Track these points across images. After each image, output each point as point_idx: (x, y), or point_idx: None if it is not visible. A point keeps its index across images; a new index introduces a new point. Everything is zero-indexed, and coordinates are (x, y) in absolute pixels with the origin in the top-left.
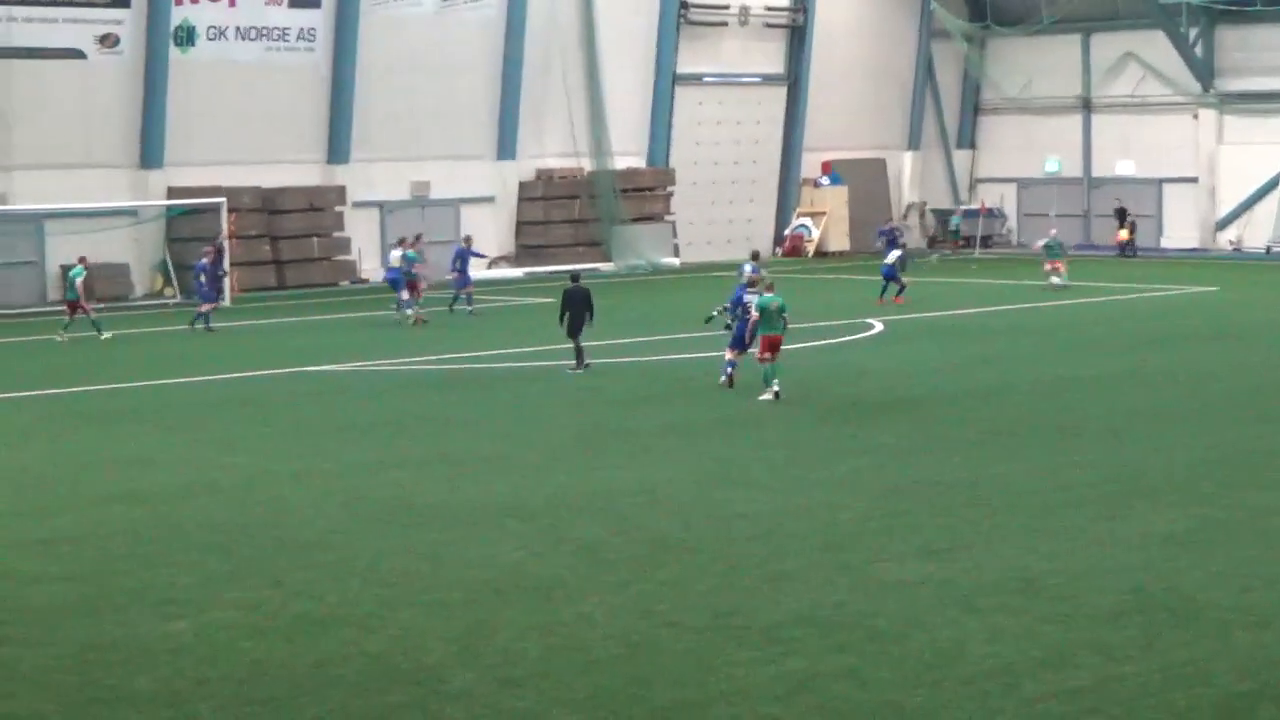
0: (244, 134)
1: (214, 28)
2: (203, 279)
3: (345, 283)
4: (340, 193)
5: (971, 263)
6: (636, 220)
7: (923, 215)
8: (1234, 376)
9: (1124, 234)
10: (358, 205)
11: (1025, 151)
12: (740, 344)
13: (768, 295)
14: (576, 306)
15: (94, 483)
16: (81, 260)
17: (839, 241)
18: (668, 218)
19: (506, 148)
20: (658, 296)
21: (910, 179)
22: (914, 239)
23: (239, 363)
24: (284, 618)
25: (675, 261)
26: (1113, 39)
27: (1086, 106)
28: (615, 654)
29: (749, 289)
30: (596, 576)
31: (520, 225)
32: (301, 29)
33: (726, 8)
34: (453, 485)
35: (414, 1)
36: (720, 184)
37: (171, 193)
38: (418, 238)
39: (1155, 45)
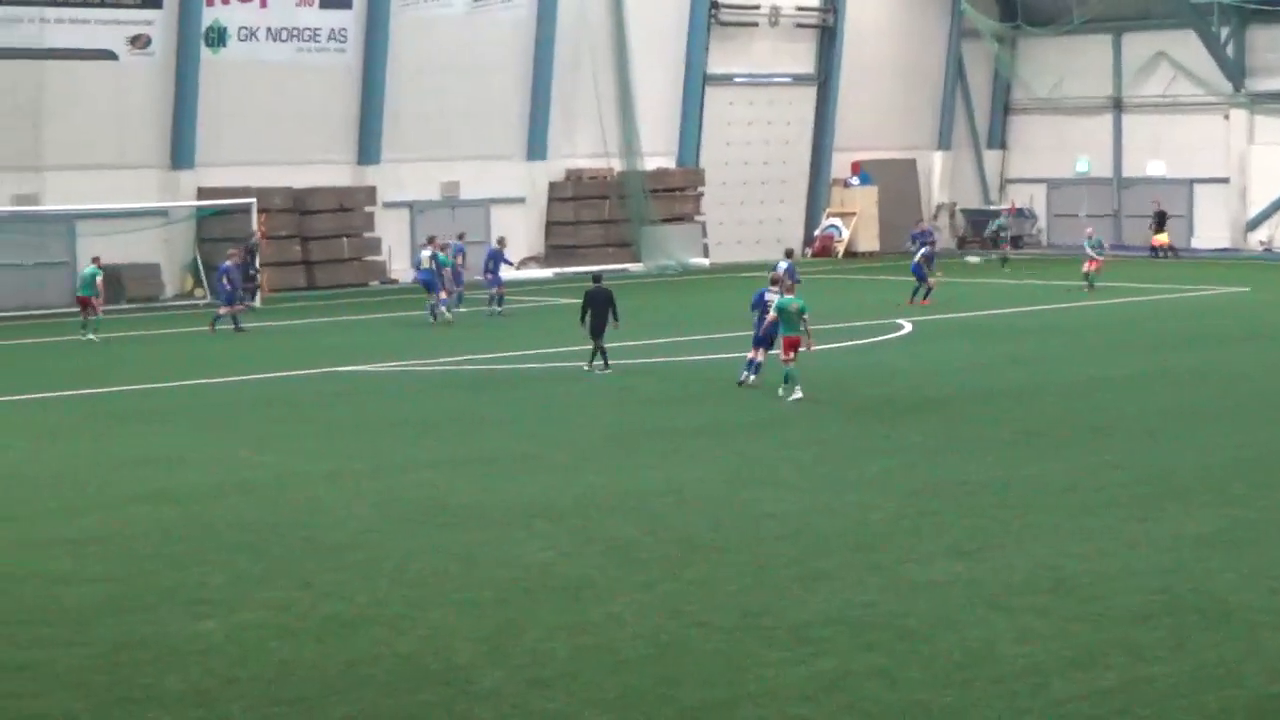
0: (274, 134)
1: (245, 28)
2: (225, 281)
3: (375, 283)
4: (370, 193)
5: (1005, 264)
6: (666, 221)
7: (953, 216)
8: (1265, 377)
9: (1164, 237)
10: (388, 206)
11: (1056, 152)
12: (763, 343)
13: (787, 297)
14: (599, 307)
15: (124, 482)
16: (95, 260)
17: (869, 242)
18: (698, 218)
19: (537, 148)
20: (687, 297)
21: (940, 179)
22: (944, 239)
23: (270, 363)
24: (314, 618)
25: (705, 262)
26: (1144, 39)
27: (1117, 106)
28: (644, 654)
29: (771, 287)
30: (626, 576)
31: (550, 226)
32: (332, 29)
33: (757, 8)
34: (483, 485)
35: (444, 2)
36: (750, 184)
37: (202, 193)
38: (460, 237)
39: (1186, 45)
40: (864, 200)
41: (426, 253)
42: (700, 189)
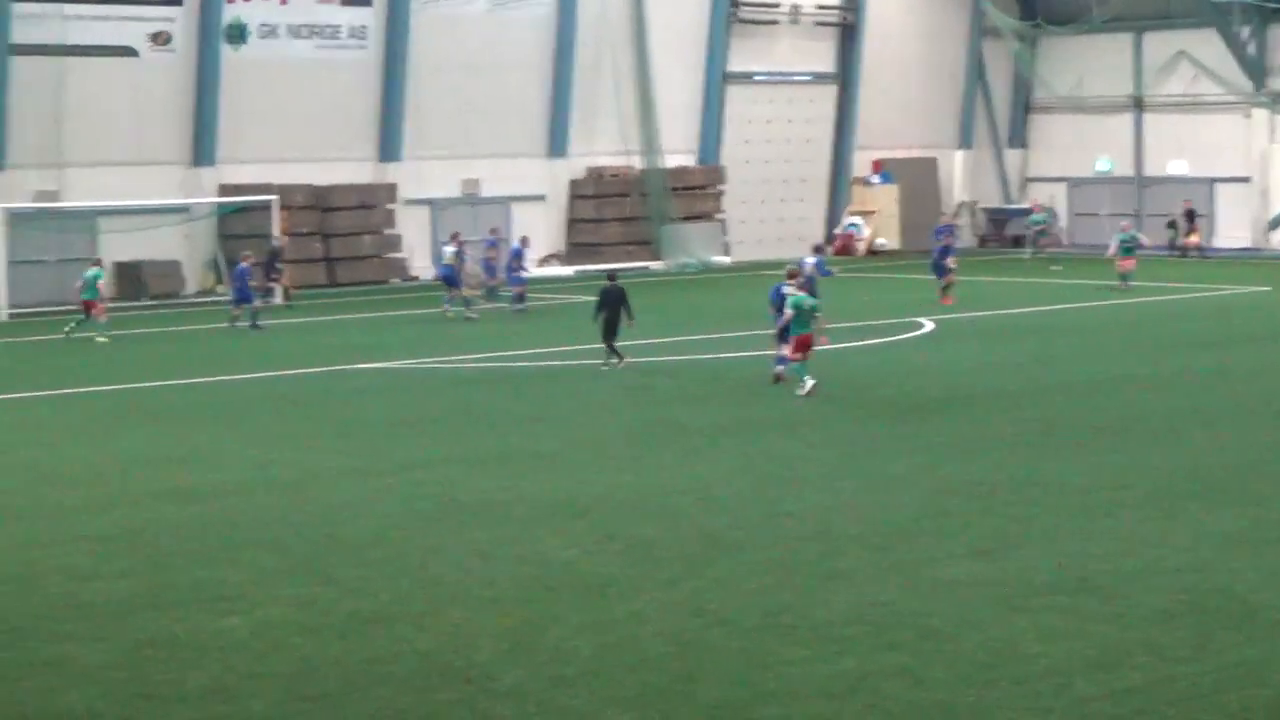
0: (296, 131)
1: (265, 25)
2: (240, 282)
3: (396, 280)
4: (391, 190)
5: (1050, 263)
6: (688, 219)
7: (974, 214)
8: None
9: (1195, 237)
10: (409, 203)
11: (1077, 150)
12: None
13: (802, 294)
14: (613, 305)
15: (146, 479)
16: (97, 263)
17: (890, 240)
18: (718, 216)
19: (558, 145)
20: (708, 295)
21: (961, 178)
22: (965, 238)
23: (291, 360)
24: (336, 615)
25: (725, 260)
26: (1165, 38)
27: (1138, 105)
28: (666, 652)
29: (788, 282)
30: (648, 574)
31: (571, 223)
32: (353, 27)
33: (777, 6)
34: (505, 483)
35: None
36: (771, 182)
37: (223, 190)
38: (493, 231)
39: (1207, 44)
40: (885, 199)
41: (450, 249)
42: (721, 187)
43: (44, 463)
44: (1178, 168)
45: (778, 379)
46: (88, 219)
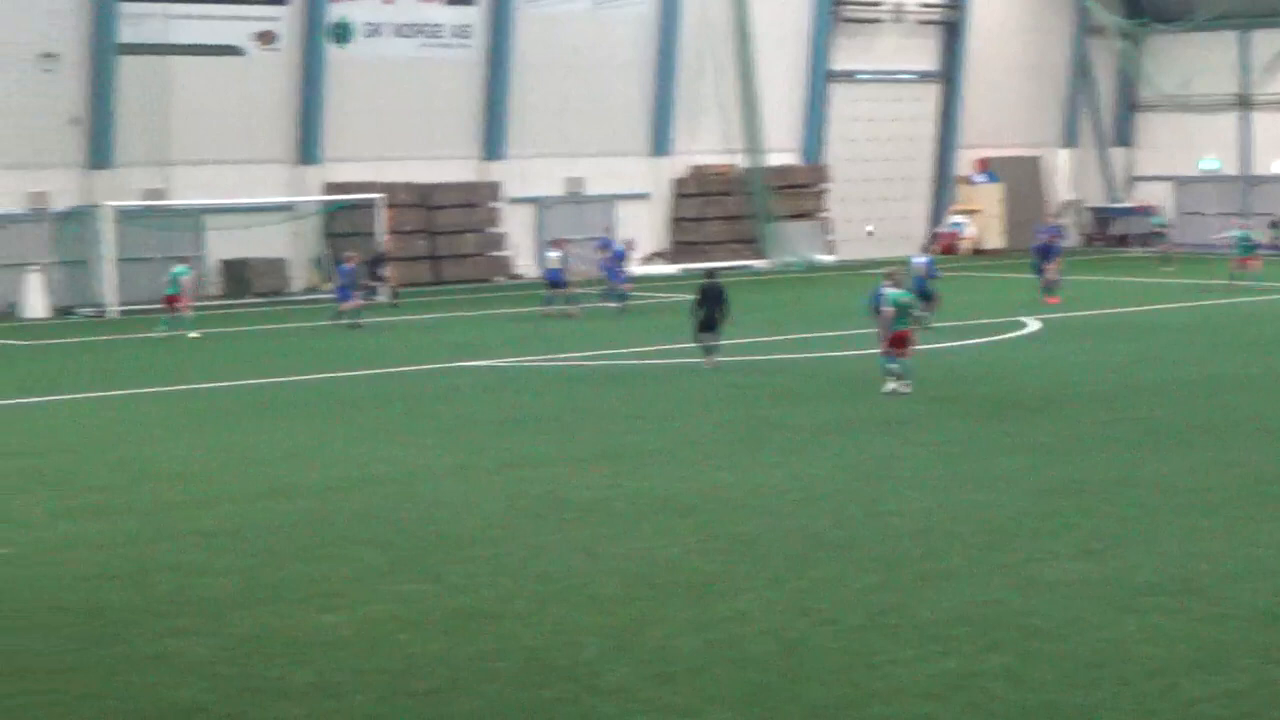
0: (400, 130)
1: (370, 24)
2: (347, 280)
3: (500, 278)
4: (495, 189)
5: (1167, 263)
6: (791, 218)
7: (1078, 213)
8: None
9: None
10: (513, 201)
11: (1183, 149)
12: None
13: (894, 291)
14: (712, 303)
15: (252, 476)
16: (185, 260)
17: (994, 239)
18: (822, 214)
19: (661, 144)
20: (811, 293)
21: (1066, 176)
22: (1070, 237)
23: (395, 358)
24: (441, 612)
25: (829, 258)
26: (1271, 36)
27: (1245, 104)
28: (770, 651)
29: (887, 282)
30: (752, 573)
31: (675, 222)
32: (457, 26)
33: (880, 4)
34: (608, 480)
35: None
36: (874, 181)
37: (328, 188)
38: (606, 230)
39: None
40: (989, 197)
41: (554, 253)
42: (824, 185)
43: (151, 459)
44: None
45: (898, 378)
46: (194, 217)
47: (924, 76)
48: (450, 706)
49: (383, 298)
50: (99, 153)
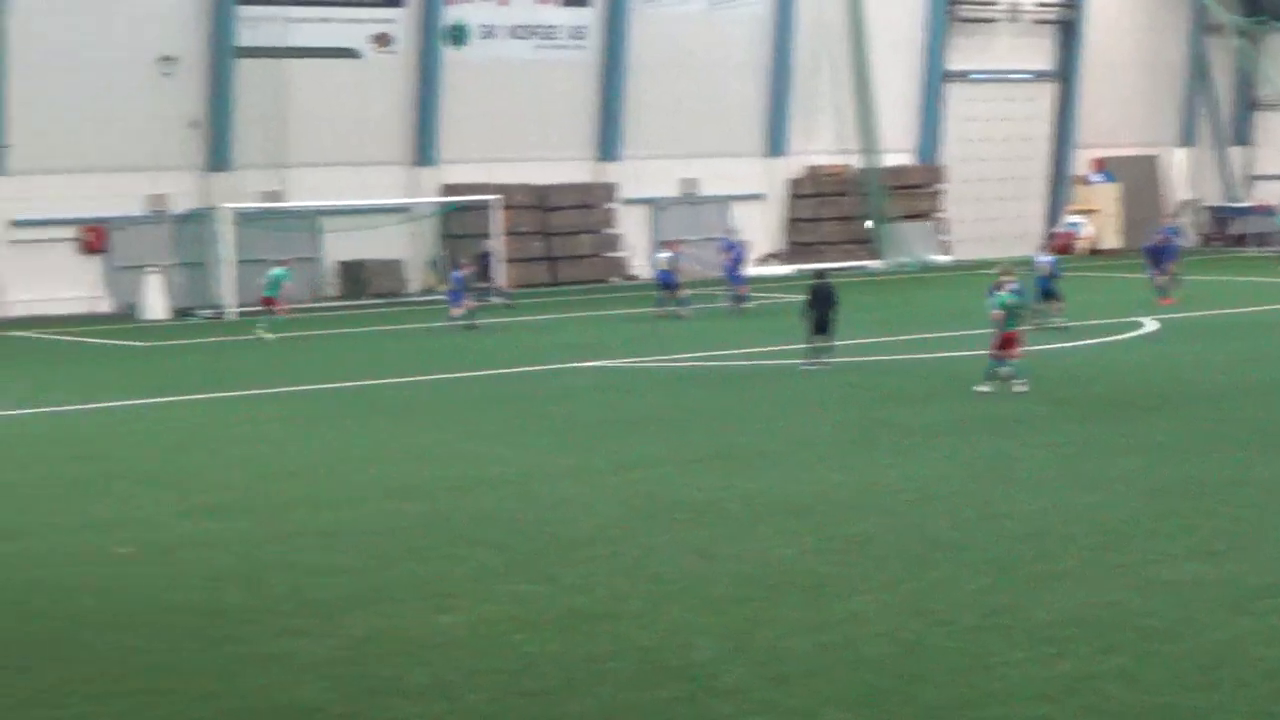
0: (515, 131)
1: (485, 26)
2: (458, 286)
3: (616, 279)
4: (610, 190)
5: (1271, 260)
6: (907, 218)
7: (1196, 213)
8: None
9: None
10: (628, 202)
11: None
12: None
13: (1004, 294)
14: (823, 304)
15: (368, 476)
16: (284, 263)
17: (1111, 239)
18: (938, 215)
19: (776, 145)
20: (926, 294)
21: (1183, 176)
22: (1188, 237)
23: (511, 359)
24: (556, 612)
25: (944, 259)
26: None
27: None
28: (886, 652)
29: (1010, 280)
30: (867, 574)
31: (790, 222)
32: (572, 27)
33: (996, 4)
34: (722, 481)
35: None
36: (989, 181)
37: (444, 189)
38: (728, 231)
39: None
40: (1106, 197)
41: (664, 255)
42: (940, 186)
43: (267, 459)
44: None
45: (1005, 379)
46: (310, 219)
47: (1039, 76)
48: (564, 707)
49: (493, 300)
50: (217, 155)
